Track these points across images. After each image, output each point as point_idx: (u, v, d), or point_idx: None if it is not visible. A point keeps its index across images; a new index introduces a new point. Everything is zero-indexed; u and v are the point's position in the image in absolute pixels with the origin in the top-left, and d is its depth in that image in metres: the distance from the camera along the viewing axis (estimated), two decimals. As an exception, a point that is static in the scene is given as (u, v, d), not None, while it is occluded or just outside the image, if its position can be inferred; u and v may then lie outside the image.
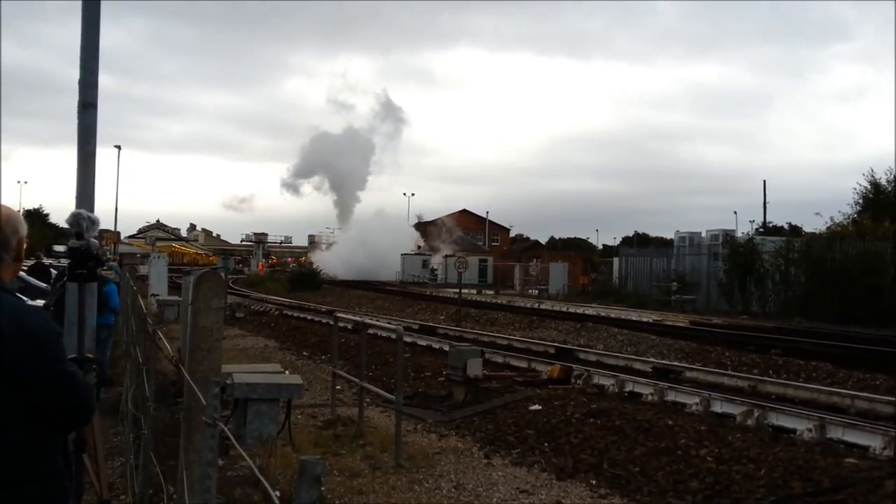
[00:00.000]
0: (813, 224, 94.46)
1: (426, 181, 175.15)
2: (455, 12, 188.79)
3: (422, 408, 10.54)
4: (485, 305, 32.41)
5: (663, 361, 14.61)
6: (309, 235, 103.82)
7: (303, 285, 47.95)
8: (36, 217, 70.91)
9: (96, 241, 3.30)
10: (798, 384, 11.81)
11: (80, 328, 3.38)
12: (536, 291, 47.11)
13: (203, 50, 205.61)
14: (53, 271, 19.34)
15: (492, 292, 47.87)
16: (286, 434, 7.97)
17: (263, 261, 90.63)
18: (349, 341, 15.57)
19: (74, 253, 3.18)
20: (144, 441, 5.09)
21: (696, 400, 10.20)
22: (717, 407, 9.89)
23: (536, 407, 9.89)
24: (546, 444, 8.47)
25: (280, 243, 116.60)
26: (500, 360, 14.55)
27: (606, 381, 11.85)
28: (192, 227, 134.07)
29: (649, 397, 10.83)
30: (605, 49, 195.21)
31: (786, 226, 61.30)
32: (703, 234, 38.97)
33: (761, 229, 59.06)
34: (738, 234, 40.54)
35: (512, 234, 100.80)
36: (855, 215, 42.59)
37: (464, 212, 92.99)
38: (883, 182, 44.89)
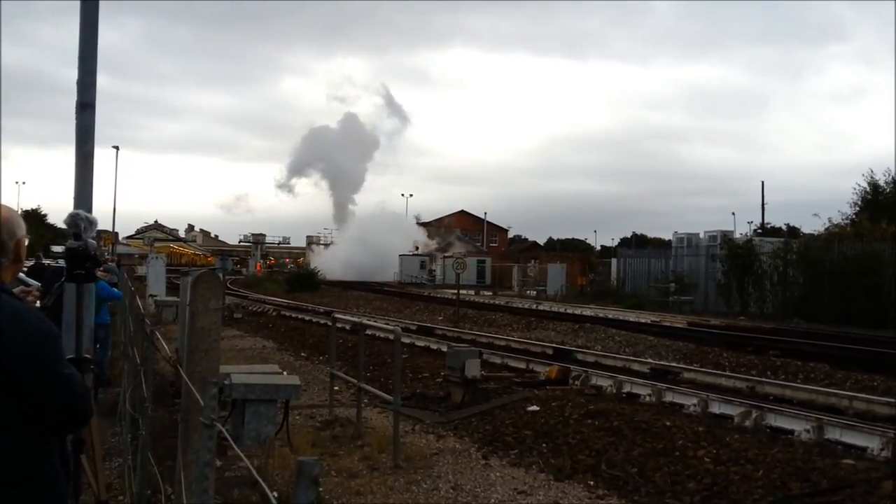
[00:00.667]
0: (811, 225, 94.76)
1: (424, 182, 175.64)
2: (450, 12, 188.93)
3: (420, 408, 10.54)
4: (483, 306, 32.41)
5: (661, 362, 14.61)
6: (307, 236, 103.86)
7: (301, 286, 47.96)
8: (34, 217, 70.81)
9: (94, 242, 3.30)
10: (796, 385, 11.81)
11: (77, 329, 3.38)
12: (534, 292, 47.14)
13: (199, 50, 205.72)
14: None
15: (490, 293, 47.89)
16: (284, 435, 7.97)
17: (261, 262, 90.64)
18: (347, 342, 15.56)
19: (72, 253, 3.17)
20: (142, 441, 5.08)
21: (694, 401, 10.21)
22: (715, 408, 9.90)
23: (534, 408, 9.89)
24: (544, 444, 8.47)
25: (278, 244, 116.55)
26: (498, 360, 14.54)
27: (604, 382, 11.85)
28: (191, 227, 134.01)
29: (647, 398, 10.83)
30: (601, 49, 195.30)
31: (784, 227, 61.31)
32: (701, 235, 38.99)
33: (759, 230, 59.16)
34: (737, 235, 40.55)
35: (510, 235, 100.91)
36: (853, 216, 42.67)
37: (462, 212, 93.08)
38: (881, 183, 45.01)
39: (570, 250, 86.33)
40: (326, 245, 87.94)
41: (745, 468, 7.11)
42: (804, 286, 31.20)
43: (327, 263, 68.80)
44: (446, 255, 64.27)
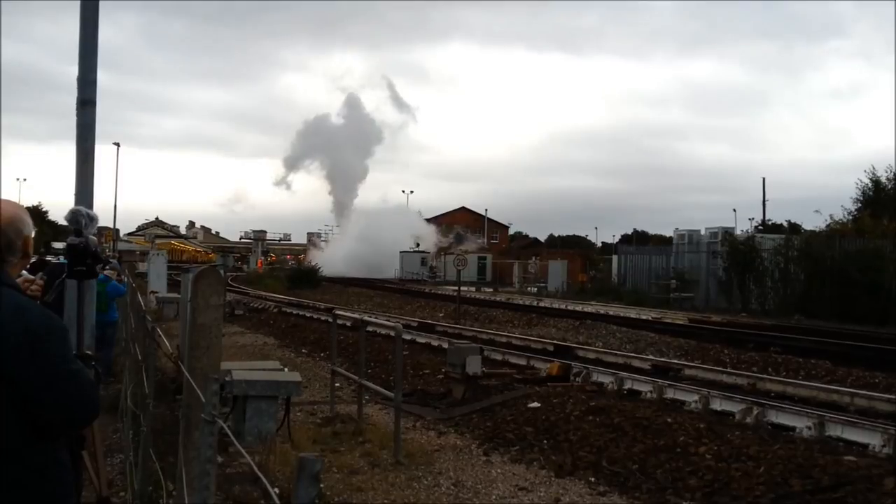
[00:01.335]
0: (812, 222, 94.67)
1: (423, 178, 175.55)
2: (447, 8, 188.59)
3: (421, 405, 10.54)
4: (484, 303, 32.42)
5: (662, 359, 14.61)
6: (308, 233, 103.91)
7: (302, 283, 47.99)
8: (35, 214, 70.72)
9: (95, 238, 3.29)
10: (797, 382, 11.81)
11: (79, 325, 3.38)
12: (535, 289, 47.16)
13: (194, 46, 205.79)
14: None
15: (491, 290, 47.90)
16: (285, 431, 7.98)
17: (262, 258, 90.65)
18: (348, 339, 15.57)
19: (73, 250, 3.17)
20: (144, 438, 5.08)
21: (695, 398, 10.21)
22: (716, 404, 9.90)
23: (535, 404, 9.89)
24: (545, 441, 8.47)
25: (279, 241, 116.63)
26: (498, 357, 14.55)
27: (605, 379, 11.85)
28: (192, 224, 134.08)
29: (648, 395, 10.83)
30: (599, 45, 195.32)
31: (785, 223, 61.29)
32: (703, 232, 38.97)
33: (760, 227, 59.05)
34: (738, 232, 40.53)
35: (511, 232, 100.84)
36: (855, 212, 42.66)
37: (463, 209, 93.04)
38: (883, 180, 45.00)
39: (571, 247, 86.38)
40: (327, 242, 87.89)
41: (746, 465, 7.11)
42: (805, 283, 31.17)
43: (328, 259, 68.75)
44: (448, 251, 64.26)
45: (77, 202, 4.14)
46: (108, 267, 11.05)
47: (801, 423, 8.68)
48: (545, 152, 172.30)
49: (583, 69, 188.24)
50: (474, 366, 10.74)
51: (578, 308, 29.06)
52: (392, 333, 9.20)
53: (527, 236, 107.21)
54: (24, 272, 3.09)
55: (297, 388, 8.20)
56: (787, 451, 7.48)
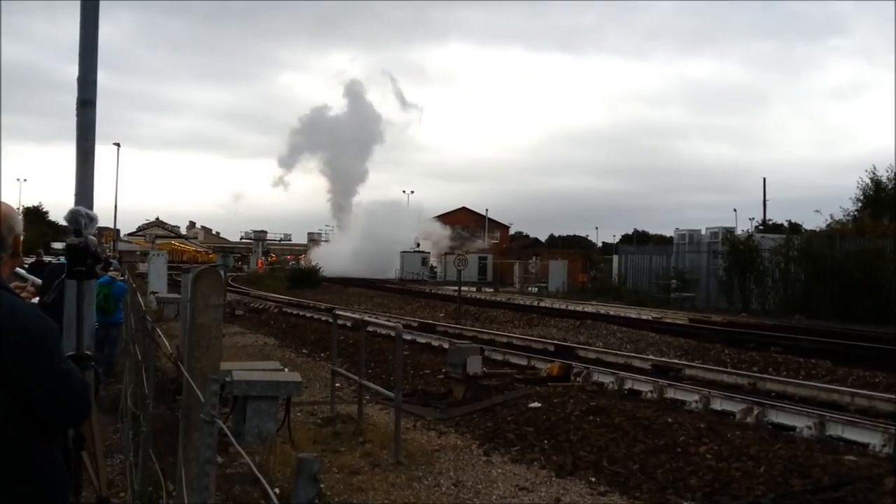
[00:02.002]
0: (813, 221, 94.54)
1: (423, 178, 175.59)
2: (445, 7, 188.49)
3: (421, 405, 10.54)
4: (484, 303, 32.41)
5: (663, 359, 14.60)
6: (308, 233, 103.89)
7: (302, 283, 48.01)
8: (35, 215, 70.91)
9: (94, 239, 3.29)
10: (797, 382, 11.81)
11: (78, 325, 3.37)
12: (536, 289, 47.18)
13: (193, 45, 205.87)
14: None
15: (491, 290, 47.90)
16: (285, 431, 7.97)
17: (263, 258, 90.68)
18: (348, 339, 15.57)
19: (73, 250, 3.17)
20: (144, 438, 5.08)
21: (696, 397, 10.20)
22: (717, 404, 9.89)
23: (536, 404, 9.88)
24: (545, 441, 8.47)
25: (279, 241, 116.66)
26: (499, 357, 14.54)
27: (606, 379, 11.84)
28: (192, 224, 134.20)
29: (649, 395, 10.83)
30: (598, 45, 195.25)
31: (786, 223, 61.26)
32: (703, 232, 38.98)
33: (761, 227, 59.04)
34: (738, 232, 40.55)
35: (511, 232, 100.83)
36: (855, 212, 42.65)
37: (463, 209, 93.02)
38: (884, 179, 44.99)
39: (572, 247, 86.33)
40: (328, 241, 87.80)
41: (746, 465, 7.10)
42: (806, 283, 31.18)
43: (329, 259, 68.69)
44: (448, 252, 64.24)
45: (77, 202, 4.13)
46: (111, 268, 11.09)
47: (801, 423, 8.68)
48: (545, 152, 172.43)
49: (582, 68, 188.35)
50: (475, 366, 10.73)
51: (579, 308, 29.05)
52: (392, 333, 9.20)
53: (527, 236, 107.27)
54: (23, 271, 3.09)
55: (297, 389, 8.20)
56: (788, 451, 7.48)
